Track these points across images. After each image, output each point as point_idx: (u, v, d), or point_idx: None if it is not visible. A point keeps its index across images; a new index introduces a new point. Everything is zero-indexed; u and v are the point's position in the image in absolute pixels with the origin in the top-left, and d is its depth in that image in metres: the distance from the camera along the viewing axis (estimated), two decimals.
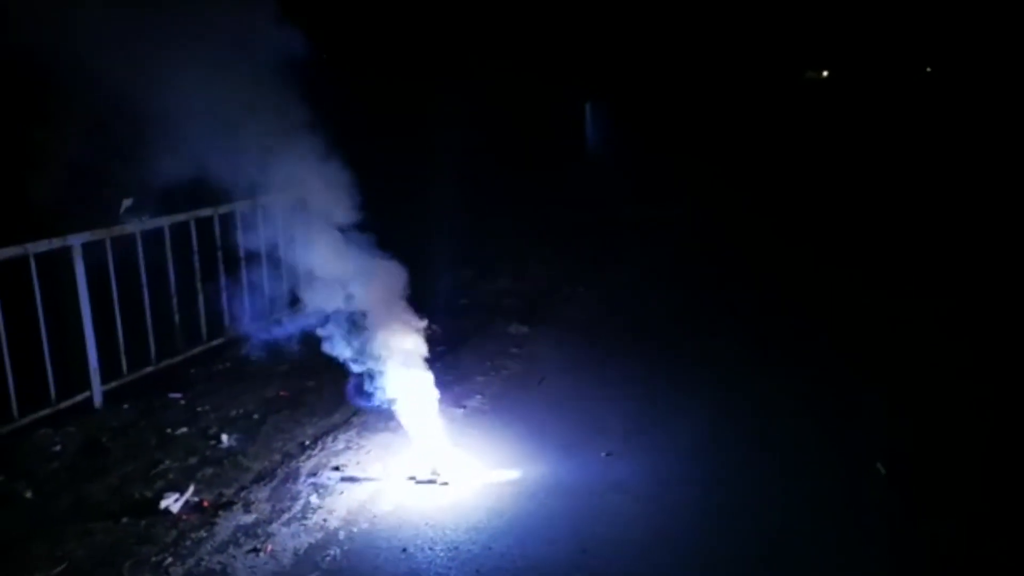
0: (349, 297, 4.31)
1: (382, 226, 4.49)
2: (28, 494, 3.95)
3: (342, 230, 4.39)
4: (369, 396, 4.54)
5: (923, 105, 18.30)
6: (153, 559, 3.39)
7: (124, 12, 3.67)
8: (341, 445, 4.45)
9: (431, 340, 4.75)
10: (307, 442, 4.49)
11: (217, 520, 3.70)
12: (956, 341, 5.87)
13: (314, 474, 4.13)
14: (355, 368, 4.42)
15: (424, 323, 4.46)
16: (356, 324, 4.36)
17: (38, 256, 4.47)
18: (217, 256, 5.65)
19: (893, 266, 8.09)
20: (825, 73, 26.76)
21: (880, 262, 8.25)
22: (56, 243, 4.54)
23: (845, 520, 3.62)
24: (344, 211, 4.37)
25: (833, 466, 4.13)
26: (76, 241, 4.63)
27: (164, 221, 5.23)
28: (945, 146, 13.89)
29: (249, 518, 3.72)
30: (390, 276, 4.32)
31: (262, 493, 3.95)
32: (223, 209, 5.61)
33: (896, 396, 4.96)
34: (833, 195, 11.61)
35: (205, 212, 5.52)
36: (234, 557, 3.42)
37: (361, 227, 4.40)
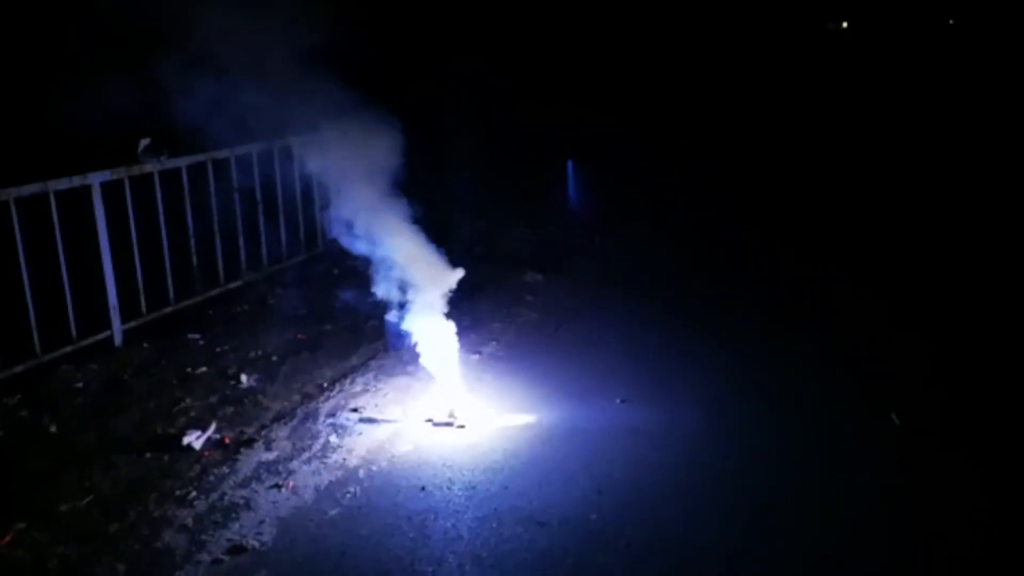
0: (368, 245, 4.32)
1: (402, 178, 4.48)
2: (53, 428, 4.03)
3: (363, 178, 4.38)
4: (386, 339, 4.59)
5: (944, 59, 17.92)
6: (177, 492, 3.47)
7: None
8: (359, 387, 4.51)
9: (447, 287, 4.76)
10: (325, 384, 4.55)
11: (239, 457, 3.77)
12: (975, 308, 5.86)
13: (333, 415, 4.20)
14: (373, 313, 4.47)
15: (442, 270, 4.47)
16: (375, 270, 4.37)
17: (58, 194, 4.48)
18: (234, 198, 5.64)
19: (919, 228, 8.02)
20: (844, 24, 26.15)
21: (906, 225, 8.17)
22: (76, 181, 4.54)
23: (860, 468, 3.67)
24: (365, 158, 4.35)
25: (847, 417, 4.17)
26: (96, 180, 4.64)
27: (182, 162, 5.22)
28: (966, 104, 13.63)
29: (270, 455, 3.79)
30: (411, 225, 4.31)
31: (282, 432, 4.02)
32: (240, 151, 5.59)
33: (915, 355, 4.96)
34: (858, 157, 11.43)
35: (222, 154, 5.50)
36: (257, 492, 3.49)
37: (382, 177, 4.39)
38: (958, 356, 4.89)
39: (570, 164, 9.36)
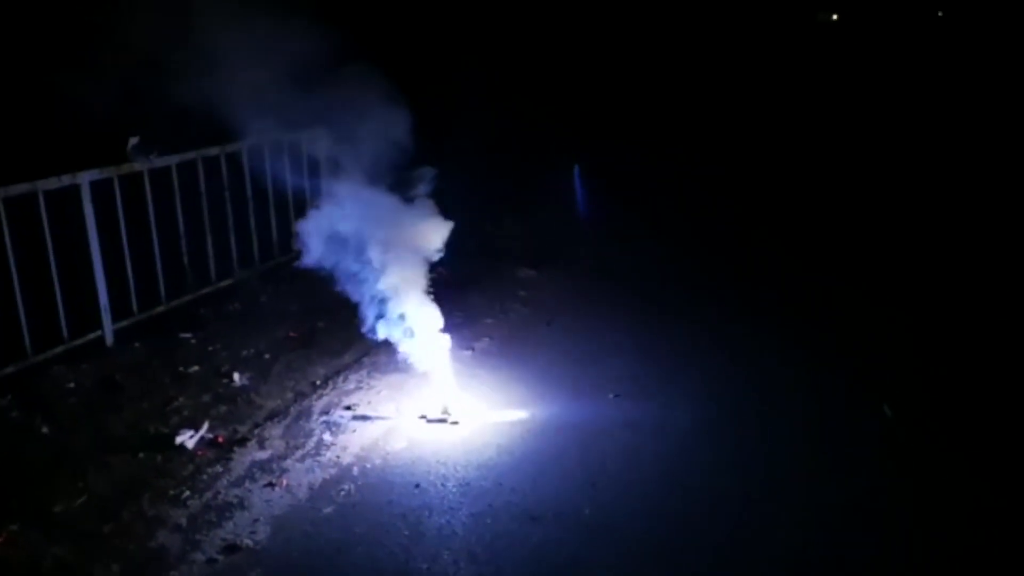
0: (360, 239, 4.31)
1: (395, 169, 4.47)
2: (45, 429, 4.01)
3: (355, 172, 4.37)
4: (379, 336, 4.58)
5: (933, 51, 17.98)
6: (171, 492, 3.47)
7: None
8: (352, 385, 4.51)
9: (440, 282, 4.78)
10: (318, 381, 4.55)
11: (232, 456, 3.77)
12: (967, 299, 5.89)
13: (326, 412, 4.20)
14: (365, 309, 4.46)
15: (434, 265, 4.47)
16: (367, 266, 4.36)
17: (48, 193, 4.45)
18: (224, 196, 5.62)
19: (905, 226, 8.04)
20: (835, 16, 26.22)
21: (893, 222, 8.19)
22: (65, 180, 4.51)
23: (852, 461, 3.70)
24: (358, 151, 4.35)
25: (840, 409, 4.20)
26: (85, 179, 4.61)
27: (172, 160, 5.19)
28: (954, 97, 13.68)
29: (264, 454, 3.79)
30: (401, 218, 4.31)
31: (276, 430, 4.01)
32: (230, 148, 5.56)
33: (907, 347, 4.99)
34: (850, 150, 11.47)
35: (212, 151, 5.47)
36: (250, 491, 3.49)
37: (375, 171, 4.38)
38: (952, 353, 4.92)
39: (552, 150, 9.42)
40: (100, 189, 4.76)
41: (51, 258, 4.51)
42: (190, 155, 5.33)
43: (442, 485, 3.53)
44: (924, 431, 3.94)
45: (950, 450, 3.77)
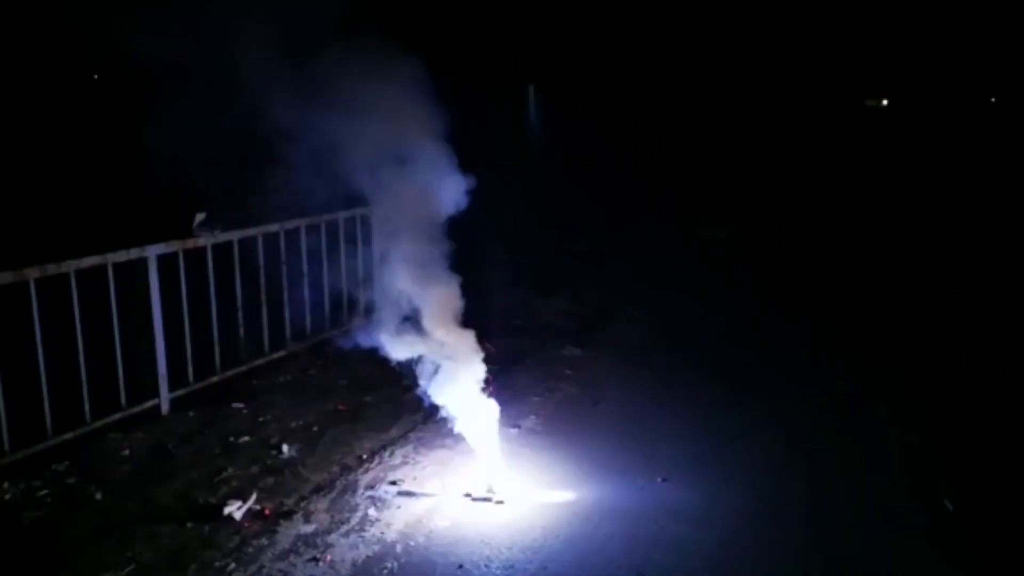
0: (411, 314, 4.39)
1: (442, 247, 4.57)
2: (98, 496, 4.08)
3: (404, 249, 4.48)
4: (427, 411, 4.61)
5: (987, 136, 17.86)
6: (217, 564, 3.48)
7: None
8: (398, 460, 4.51)
9: (487, 360, 4.80)
10: (365, 456, 4.56)
11: (278, 528, 3.77)
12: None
13: (372, 487, 4.19)
14: (413, 384, 4.50)
15: (482, 343, 4.51)
16: (417, 341, 4.42)
17: (116, 266, 4.65)
18: (282, 271, 5.79)
19: (948, 300, 7.88)
20: (885, 102, 26.28)
21: (935, 295, 8.05)
22: (134, 253, 4.72)
23: (905, 552, 3.54)
24: (406, 231, 4.46)
25: (899, 501, 4.04)
26: (152, 252, 4.82)
27: (234, 235, 5.39)
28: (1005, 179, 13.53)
29: (309, 528, 3.79)
30: (451, 295, 4.38)
31: (321, 504, 4.02)
32: (289, 225, 5.76)
33: (963, 438, 4.82)
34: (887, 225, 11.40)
35: (272, 228, 5.67)
36: (294, 565, 3.49)
37: (423, 247, 4.48)
38: (1008, 434, 4.74)
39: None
40: (164, 261, 4.96)
41: (115, 328, 4.67)
42: (251, 231, 5.53)
43: (486, 566, 3.48)
44: (988, 524, 3.76)
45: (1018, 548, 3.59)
